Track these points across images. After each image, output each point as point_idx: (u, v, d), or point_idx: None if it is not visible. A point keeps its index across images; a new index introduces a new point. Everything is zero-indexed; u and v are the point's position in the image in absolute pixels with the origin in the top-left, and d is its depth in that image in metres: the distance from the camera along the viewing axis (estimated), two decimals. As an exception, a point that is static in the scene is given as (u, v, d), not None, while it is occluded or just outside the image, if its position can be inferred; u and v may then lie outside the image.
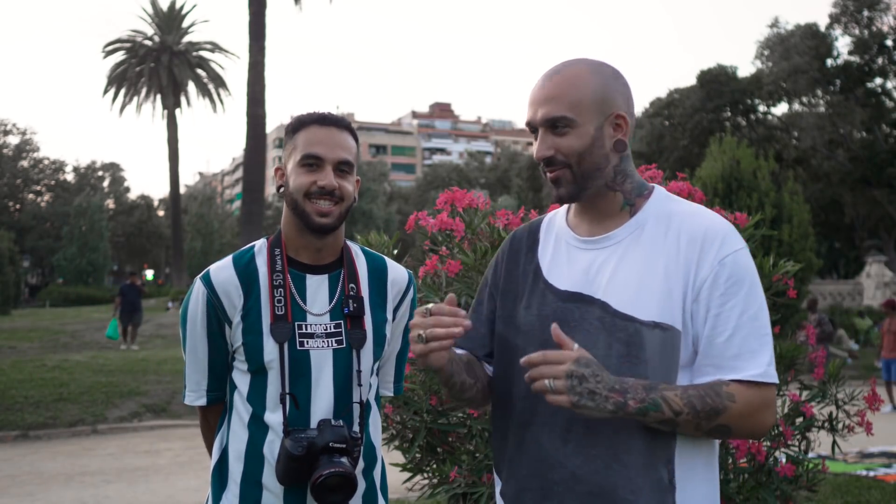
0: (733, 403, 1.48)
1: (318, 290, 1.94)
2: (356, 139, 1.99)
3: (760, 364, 1.51)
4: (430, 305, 1.54)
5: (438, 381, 1.70)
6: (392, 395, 2.17)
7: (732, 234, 1.58)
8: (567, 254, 1.67)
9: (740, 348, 1.51)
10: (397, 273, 2.08)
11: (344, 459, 1.80)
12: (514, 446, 1.65)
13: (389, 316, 2.03)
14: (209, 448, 2.06)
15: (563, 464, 1.55)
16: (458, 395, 1.73)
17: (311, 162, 1.88)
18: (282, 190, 1.95)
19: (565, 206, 1.77)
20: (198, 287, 1.92)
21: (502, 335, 1.71)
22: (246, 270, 1.92)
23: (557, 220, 1.76)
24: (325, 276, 1.96)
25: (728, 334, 1.52)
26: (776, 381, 1.54)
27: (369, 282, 2.02)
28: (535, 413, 1.61)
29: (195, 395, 1.97)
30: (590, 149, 1.59)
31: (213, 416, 2.02)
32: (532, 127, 1.65)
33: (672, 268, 1.55)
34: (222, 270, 1.93)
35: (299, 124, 1.94)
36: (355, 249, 2.05)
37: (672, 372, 1.53)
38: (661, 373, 1.52)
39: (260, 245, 1.99)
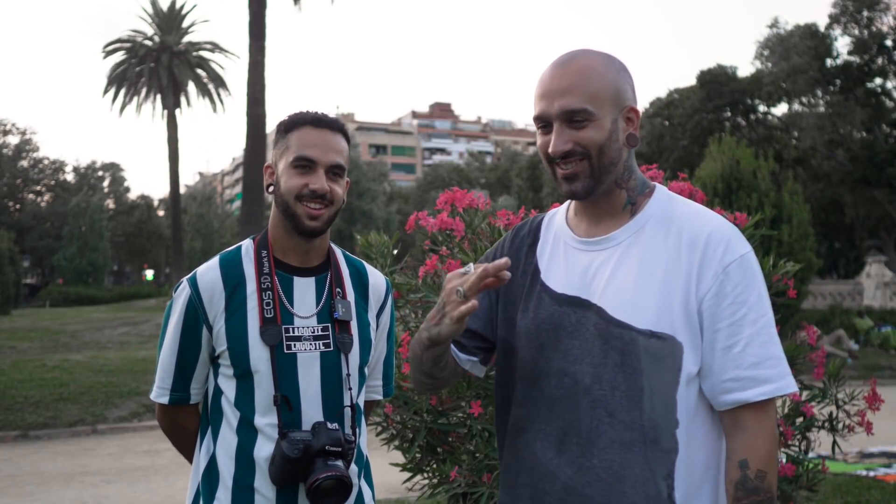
0: (758, 465, 1.45)
1: (305, 293, 1.93)
2: (349, 141, 1.98)
3: (783, 373, 1.47)
4: (469, 266, 1.50)
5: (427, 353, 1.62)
6: (382, 398, 2.16)
7: (736, 239, 1.52)
8: (565, 255, 1.62)
9: (758, 356, 1.46)
10: (377, 278, 2.09)
11: (339, 462, 1.80)
12: (509, 453, 1.62)
13: (373, 321, 2.03)
14: (177, 446, 2.05)
15: (556, 475, 1.51)
16: (434, 371, 1.66)
17: (304, 164, 1.87)
18: (271, 189, 1.94)
19: (566, 205, 1.73)
20: (183, 287, 1.92)
21: (504, 339, 1.67)
22: (233, 272, 1.91)
23: (557, 219, 1.71)
24: (312, 278, 1.95)
25: (744, 343, 1.46)
26: (796, 388, 1.51)
27: (353, 285, 2.01)
28: (529, 420, 1.58)
29: (160, 392, 1.96)
30: (608, 142, 1.53)
31: (184, 416, 1.99)
32: (544, 120, 1.56)
33: (672, 275, 1.50)
34: (209, 272, 1.92)
35: (292, 124, 1.92)
36: (338, 252, 2.05)
37: (671, 383, 1.47)
38: (658, 383, 1.47)
39: (247, 246, 1.97)
